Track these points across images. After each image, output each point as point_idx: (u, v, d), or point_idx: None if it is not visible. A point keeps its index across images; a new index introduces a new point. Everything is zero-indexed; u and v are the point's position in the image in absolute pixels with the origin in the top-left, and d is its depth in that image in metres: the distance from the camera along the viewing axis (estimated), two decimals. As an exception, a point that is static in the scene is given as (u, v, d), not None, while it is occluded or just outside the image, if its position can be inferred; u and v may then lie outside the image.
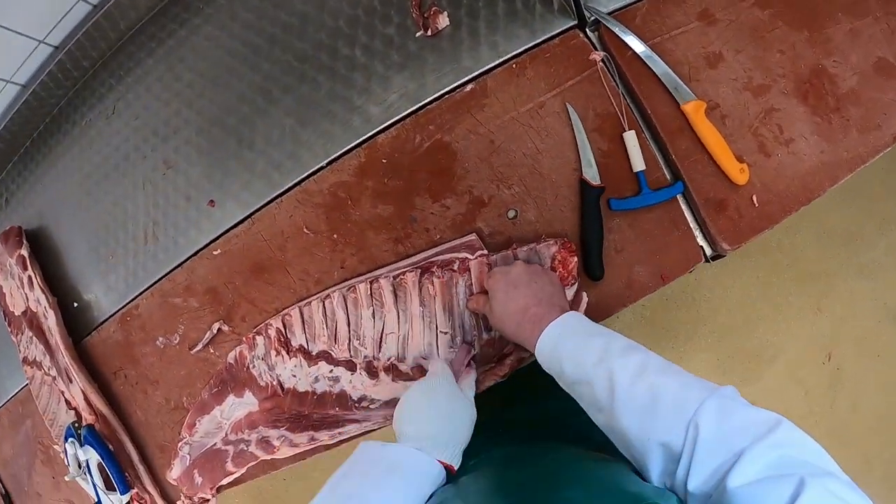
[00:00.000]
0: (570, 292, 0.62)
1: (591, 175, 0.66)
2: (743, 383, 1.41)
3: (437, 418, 0.55)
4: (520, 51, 0.69)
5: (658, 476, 0.44)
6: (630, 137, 0.67)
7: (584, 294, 0.63)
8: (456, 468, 0.54)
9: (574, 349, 0.51)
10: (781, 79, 0.70)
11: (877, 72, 0.70)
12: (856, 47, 0.70)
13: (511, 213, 0.68)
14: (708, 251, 0.70)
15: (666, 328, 1.42)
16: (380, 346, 0.66)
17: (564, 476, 0.48)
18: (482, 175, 0.68)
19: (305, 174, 0.72)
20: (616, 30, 0.69)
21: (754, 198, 0.68)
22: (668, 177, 0.68)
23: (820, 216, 1.35)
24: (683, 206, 0.69)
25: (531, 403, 0.84)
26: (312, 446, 0.71)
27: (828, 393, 1.40)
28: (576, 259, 0.62)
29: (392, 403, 0.65)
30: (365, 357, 0.66)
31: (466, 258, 0.63)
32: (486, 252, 0.64)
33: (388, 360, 0.65)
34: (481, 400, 0.94)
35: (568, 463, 0.54)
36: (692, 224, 0.69)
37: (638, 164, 0.67)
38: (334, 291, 0.67)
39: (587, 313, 0.66)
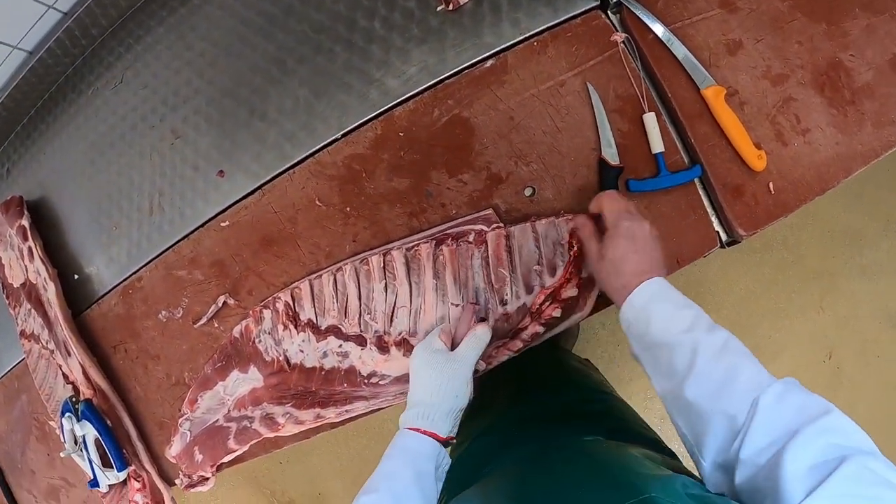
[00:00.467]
0: (586, 270, 0.61)
1: (611, 155, 0.65)
2: None
3: (420, 388, 0.57)
4: (541, 29, 0.68)
5: (716, 448, 0.46)
6: (650, 119, 0.66)
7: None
8: (445, 436, 0.56)
9: (665, 312, 0.53)
10: (799, 69, 0.69)
11: (892, 68, 0.70)
12: (872, 42, 0.70)
13: (528, 191, 0.67)
14: (723, 237, 0.69)
15: None
16: (391, 321, 0.65)
17: (577, 470, 0.50)
18: (500, 151, 0.67)
19: (319, 146, 0.71)
20: (638, 12, 0.68)
21: (771, 185, 0.68)
22: (686, 160, 0.68)
23: (825, 215, 1.36)
24: (700, 191, 0.68)
25: (540, 399, 0.84)
26: (318, 424, 0.69)
27: (827, 392, 1.38)
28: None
29: (403, 379, 0.64)
30: (375, 332, 0.65)
31: (483, 230, 0.62)
32: (501, 224, 0.63)
33: (400, 334, 0.64)
34: (490, 398, 0.94)
35: (581, 459, 0.54)
36: (708, 209, 0.68)
37: (657, 145, 0.66)
38: (346, 264, 0.66)
39: (602, 293, 0.65)
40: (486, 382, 1.04)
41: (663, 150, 0.66)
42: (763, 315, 1.39)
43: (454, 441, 0.58)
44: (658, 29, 0.68)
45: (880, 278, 1.37)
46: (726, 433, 0.45)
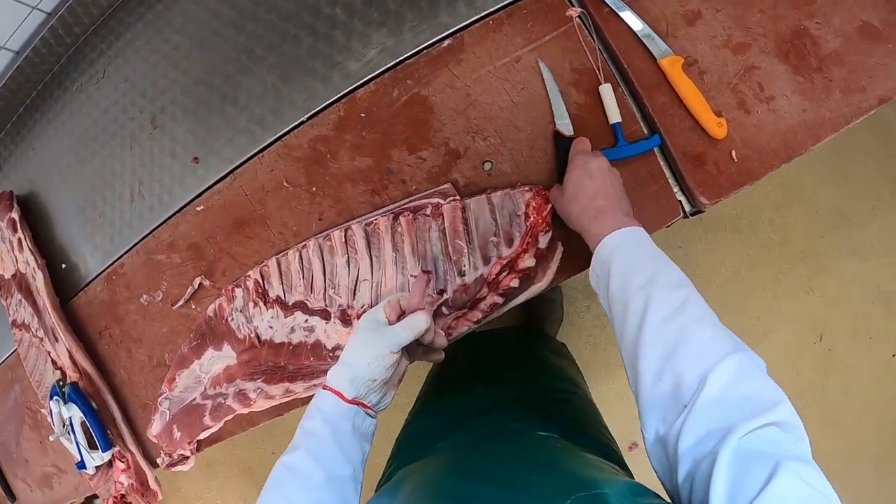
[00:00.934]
0: (544, 240, 0.62)
1: (564, 126, 0.67)
2: None
3: (347, 349, 0.56)
4: (497, 7, 0.70)
5: (656, 421, 0.43)
6: (606, 90, 0.67)
7: (559, 244, 0.64)
8: (350, 398, 0.54)
9: (626, 265, 0.50)
10: (762, 38, 0.70)
11: (861, 35, 0.70)
12: (839, 10, 0.70)
13: (487, 165, 0.68)
14: (686, 206, 0.70)
15: None
16: (354, 295, 0.66)
17: (531, 459, 0.49)
18: (458, 127, 0.69)
19: (287, 129, 0.73)
20: (592, -14, 0.69)
21: (733, 153, 0.68)
22: (645, 131, 0.68)
23: (812, 195, 1.34)
24: (661, 160, 0.69)
25: (507, 387, 0.84)
26: (288, 399, 0.71)
27: (819, 374, 1.38)
28: (550, 206, 0.62)
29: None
30: (339, 306, 0.67)
31: (439, 203, 0.63)
32: (458, 197, 0.64)
33: (362, 307, 0.65)
34: (459, 379, 0.95)
35: (535, 448, 0.54)
36: (669, 178, 0.69)
37: (614, 116, 0.67)
38: (310, 240, 0.68)
39: (563, 264, 0.66)
40: (461, 363, 1.05)
41: (620, 120, 0.67)
42: (750, 296, 1.37)
43: (372, 411, 0.56)
44: (613, 2, 0.69)
45: (870, 258, 1.35)
46: (667, 408, 0.42)
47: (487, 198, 0.63)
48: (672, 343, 0.44)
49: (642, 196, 0.68)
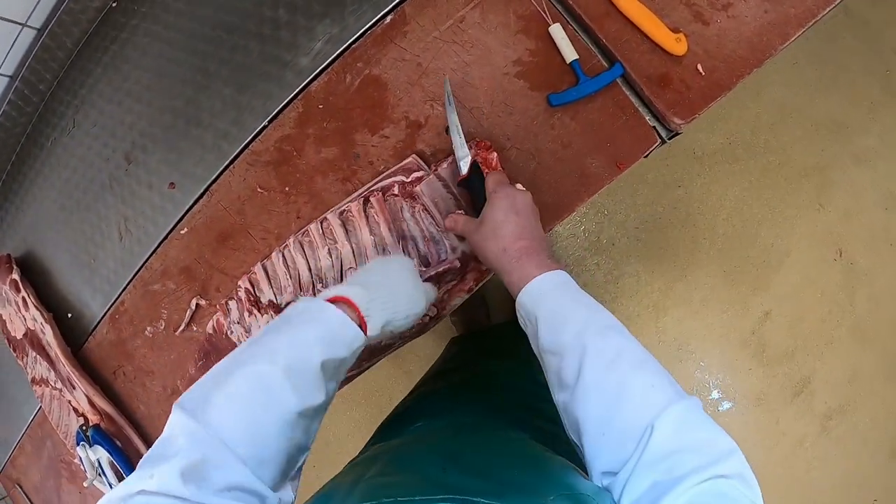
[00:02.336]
0: None
1: (465, 163, 0.62)
2: (753, 293, 1.36)
3: (390, 292, 0.53)
4: (432, -27, 0.69)
5: (600, 472, 0.42)
6: (556, 30, 0.66)
7: (519, 185, 0.63)
8: (380, 329, 0.51)
9: (554, 313, 0.48)
10: (704, -58, 0.68)
11: (812, -81, 0.68)
12: None
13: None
14: (662, 132, 0.68)
15: (664, 248, 1.37)
16: (342, 282, 0.66)
17: (506, 451, 0.48)
18: (415, 99, 0.68)
19: (250, 136, 0.74)
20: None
21: (699, 67, 0.66)
22: (604, 63, 0.67)
23: (804, 109, 1.30)
24: (626, 90, 0.67)
25: (491, 385, 0.83)
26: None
27: (845, 291, 1.33)
28: (496, 154, 0.61)
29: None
30: (330, 296, 0.67)
31: (403, 181, 0.63)
32: (423, 171, 0.64)
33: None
34: (439, 376, 0.94)
35: (512, 441, 0.53)
36: (639, 106, 0.67)
37: (569, 54, 0.66)
38: (290, 239, 0.68)
39: (539, 207, 0.65)
40: (457, 359, 1.04)
41: (577, 57, 0.66)
42: (760, 223, 1.33)
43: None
44: (546, -58, 0.68)
45: (877, 163, 1.31)
46: (613, 459, 0.40)
47: (436, 175, 0.63)
48: (613, 395, 0.42)
49: (614, 129, 0.67)
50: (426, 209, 0.63)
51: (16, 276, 0.91)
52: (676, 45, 0.65)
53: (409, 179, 0.63)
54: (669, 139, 0.69)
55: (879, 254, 1.31)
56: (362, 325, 0.50)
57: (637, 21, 0.66)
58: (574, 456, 0.53)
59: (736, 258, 1.34)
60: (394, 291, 0.53)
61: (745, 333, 1.36)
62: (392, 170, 0.65)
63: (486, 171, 0.61)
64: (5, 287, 0.92)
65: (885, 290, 1.32)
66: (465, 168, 0.60)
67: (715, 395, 1.40)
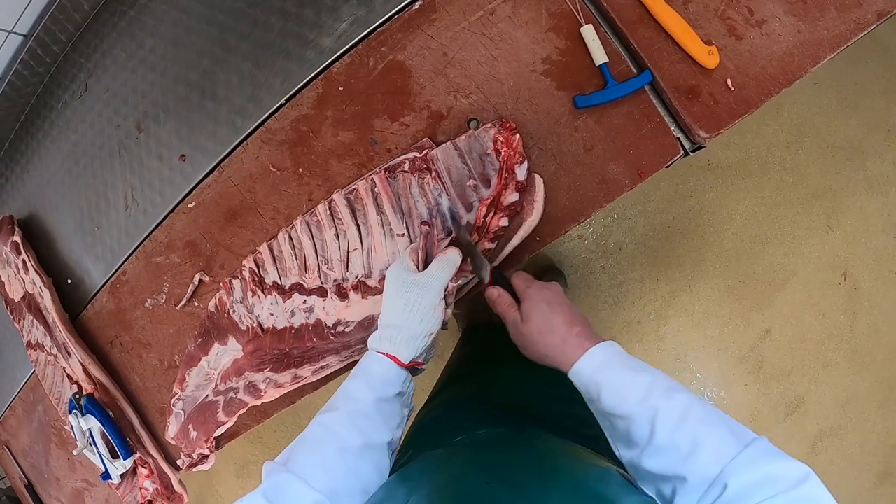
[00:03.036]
0: (521, 172, 0.60)
1: (485, 273, 0.62)
2: (756, 309, 1.36)
3: (388, 309, 0.56)
4: (465, -39, 0.68)
5: None
6: (588, 31, 0.65)
7: (537, 175, 0.62)
8: (407, 361, 0.55)
9: (617, 380, 0.51)
10: (745, -40, 0.67)
11: (852, -52, 0.67)
12: (826, -77, 0.67)
13: (472, 123, 0.66)
14: (686, 143, 0.67)
15: (671, 257, 1.38)
16: (347, 266, 0.65)
17: (547, 466, 0.49)
18: (438, 88, 0.67)
19: (267, 114, 0.72)
20: (562, -71, 0.67)
21: (729, 82, 0.65)
22: (633, 69, 0.66)
23: (822, 130, 1.29)
24: (653, 98, 0.66)
25: (521, 388, 0.83)
26: (297, 385, 0.70)
27: (846, 315, 1.33)
28: (518, 136, 0.60)
29: (365, 324, 0.64)
30: (334, 281, 0.66)
31: (415, 157, 0.62)
32: (431, 146, 0.63)
33: (356, 278, 0.64)
34: (469, 376, 0.94)
35: (552, 454, 0.54)
36: (664, 115, 0.66)
37: (599, 56, 0.64)
38: (297, 219, 0.67)
39: (555, 209, 0.64)
40: (480, 354, 1.04)
41: (607, 60, 0.64)
42: (768, 240, 1.32)
43: (423, 367, 0.57)
44: (586, -57, 0.67)
45: (889, 190, 1.30)
46: (686, 499, 0.43)
47: (453, 143, 0.62)
48: (688, 451, 0.44)
49: (638, 136, 0.65)
50: (438, 175, 0.62)
51: (17, 238, 0.89)
52: (708, 57, 0.64)
53: (421, 154, 0.62)
54: (693, 152, 0.68)
55: (884, 281, 1.31)
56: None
57: (670, 29, 0.64)
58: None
59: (741, 273, 1.33)
60: (414, 331, 0.56)
61: (745, 349, 1.36)
62: (406, 149, 0.64)
63: (505, 149, 0.60)
64: (6, 248, 0.91)
65: (887, 317, 1.32)
66: (486, 276, 0.61)
67: None
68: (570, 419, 0.71)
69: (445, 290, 0.57)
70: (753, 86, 0.65)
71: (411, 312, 0.55)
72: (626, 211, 1.37)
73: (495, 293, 0.60)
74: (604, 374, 0.51)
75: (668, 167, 0.68)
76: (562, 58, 0.66)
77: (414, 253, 0.58)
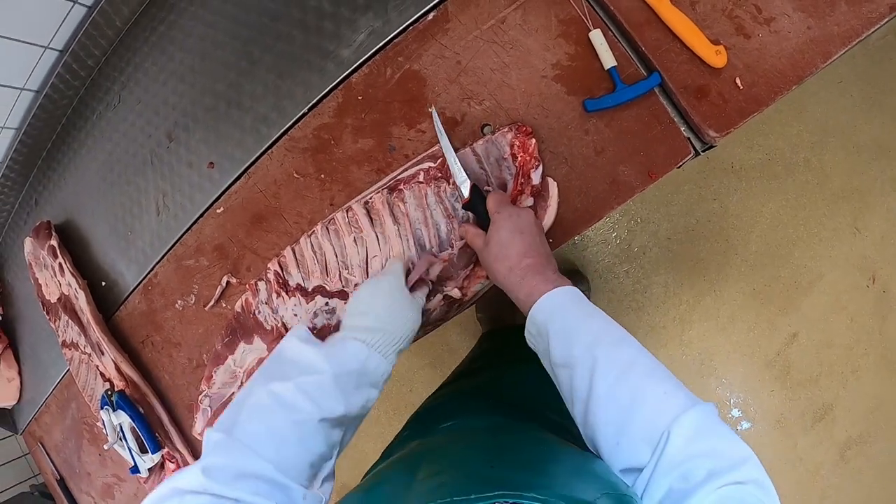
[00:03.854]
0: (536, 176, 0.61)
1: (464, 186, 0.63)
2: (782, 313, 1.33)
3: (375, 312, 0.56)
4: (477, -27, 0.70)
5: (618, 481, 0.43)
6: (596, 36, 0.66)
7: (551, 180, 0.63)
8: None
9: (565, 327, 0.49)
10: (750, -43, 0.67)
11: (861, -62, 0.67)
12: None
13: (486, 129, 0.68)
14: (696, 144, 0.68)
15: (695, 261, 1.36)
16: (367, 271, 0.67)
17: (545, 450, 0.48)
18: (453, 96, 0.69)
19: (290, 123, 0.75)
20: (571, -63, 0.69)
21: (738, 80, 0.65)
22: (642, 72, 0.67)
23: (846, 130, 1.26)
24: (662, 99, 0.67)
25: (525, 385, 0.83)
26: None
27: (875, 319, 1.29)
28: (534, 141, 0.62)
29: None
30: (355, 285, 0.68)
31: (430, 167, 0.64)
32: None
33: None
34: (476, 371, 0.95)
35: (548, 441, 0.54)
36: (674, 116, 0.67)
37: (608, 60, 0.66)
38: (318, 226, 0.70)
39: (568, 211, 0.65)
40: (491, 354, 1.05)
41: (616, 64, 0.66)
42: (794, 243, 1.30)
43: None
44: (593, -51, 0.68)
45: (917, 190, 1.27)
46: (629, 466, 0.42)
47: (471, 149, 0.63)
48: (626, 404, 0.43)
49: (648, 138, 0.66)
50: (455, 181, 0.63)
51: (54, 242, 0.94)
52: (716, 57, 0.64)
53: (436, 164, 0.64)
54: (703, 151, 0.69)
55: (913, 283, 1.28)
56: None
57: (678, 31, 0.65)
58: None
59: (767, 276, 1.31)
60: (388, 329, 0.55)
61: (771, 354, 1.34)
62: (419, 157, 0.66)
63: (521, 154, 0.62)
64: (43, 252, 0.96)
65: (917, 320, 1.29)
66: (465, 191, 0.61)
67: (735, 413, 1.38)
68: (571, 420, 0.71)
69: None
70: (763, 84, 0.65)
71: (399, 322, 0.55)
72: (649, 215, 1.36)
73: (464, 228, 0.60)
74: (554, 319, 0.49)
75: (679, 168, 0.69)
76: (572, 63, 0.67)
77: (417, 272, 0.60)
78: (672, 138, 0.66)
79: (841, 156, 1.27)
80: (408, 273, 0.60)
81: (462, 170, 0.62)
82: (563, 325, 0.49)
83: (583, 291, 1.40)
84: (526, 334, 0.54)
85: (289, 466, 0.46)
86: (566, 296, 0.51)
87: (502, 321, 1.25)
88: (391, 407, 1.61)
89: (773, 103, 0.66)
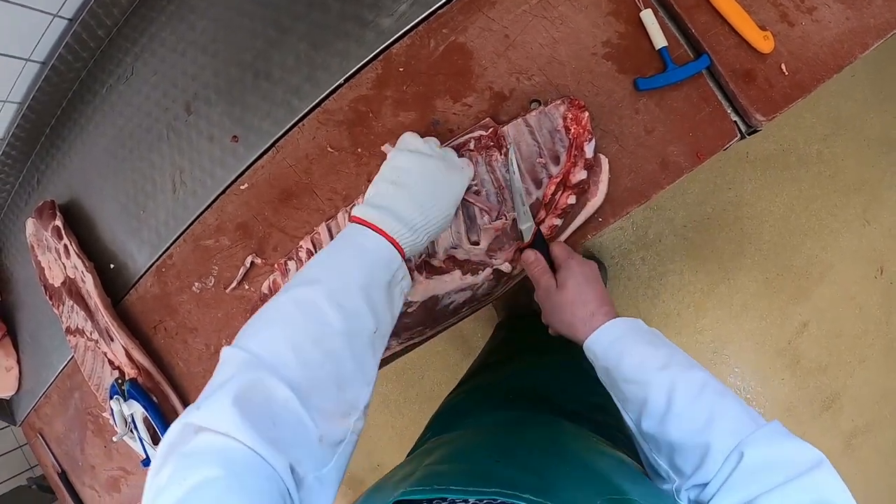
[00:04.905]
0: (589, 149, 0.60)
1: (526, 230, 0.62)
2: (793, 302, 1.36)
3: (411, 190, 0.53)
4: (527, -56, 0.68)
5: (691, 485, 0.45)
6: (647, 15, 0.65)
7: (602, 155, 0.62)
8: (406, 251, 0.51)
9: (637, 349, 0.52)
10: (797, -52, 0.67)
11: (899, -65, 0.68)
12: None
13: (534, 105, 0.66)
14: (742, 126, 0.67)
15: (710, 249, 1.39)
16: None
17: (557, 448, 0.50)
18: (500, 70, 0.67)
19: (324, 94, 0.72)
20: (621, -86, 0.67)
21: (783, 66, 0.66)
22: (690, 54, 0.67)
23: (858, 123, 1.29)
24: (710, 82, 0.67)
25: (541, 373, 0.84)
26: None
27: (882, 310, 1.33)
28: (587, 114, 0.60)
29: (429, 304, 0.64)
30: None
31: (481, 135, 0.62)
32: (493, 126, 0.63)
33: (419, 258, 0.64)
34: (493, 364, 0.94)
35: (563, 437, 0.55)
36: (721, 99, 0.67)
37: (659, 41, 0.65)
38: (358, 199, 0.67)
39: (617, 190, 0.65)
40: (507, 346, 1.04)
41: (667, 44, 0.65)
42: (806, 233, 1.33)
43: (410, 263, 0.55)
44: (645, -73, 0.67)
45: (925, 183, 1.30)
46: (705, 469, 0.44)
47: (524, 120, 0.62)
48: (704, 421, 0.45)
49: (697, 120, 0.66)
50: (508, 151, 0.62)
51: (58, 222, 0.89)
52: (763, 42, 0.65)
53: (487, 133, 0.62)
54: (749, 135, 0.69)
55: (920, 275, 1.31)
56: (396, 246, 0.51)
57: (726, 14, 0.65)
58: (632, 445, 0.56)
59: (779, 266, 1.34)
60: (424, 208, 0.52)
61: (782, 343, 1.36)
62: (469, 129, 0.64)
63: (574, 127, 0.60)
64: (47, 234, 0.90)
65: (923, 312, 1.32)
66: (528, 235, 0.61)
67: (744, 401, 1.39)
68: (586, 406, 0.72)
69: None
70: (806, 70, 0.66)
71: (435, 198, 0.53)
72: (665, 202, 1.37)
73: (532, 256, 0.60)
74: (624, 342, 0.52)
75: (725, 150, 0.69)
76: (622, 41, 0.66)
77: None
78: (719, 120, 0.66)
79: (852, 148, 1.29)
80: None
81: (529, 213, 0.61)
82: (636, 346, 0.52)
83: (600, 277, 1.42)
84: (585, 349, 0.56)
85: (315, 388, 0.41)
86: (634, 324, 0.55)
87: (519, 307, 1.24)
88: (401, 394, 1.58)
89: (815, 90, 0.67)
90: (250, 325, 0.45)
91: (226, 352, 0.43)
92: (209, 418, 0.37)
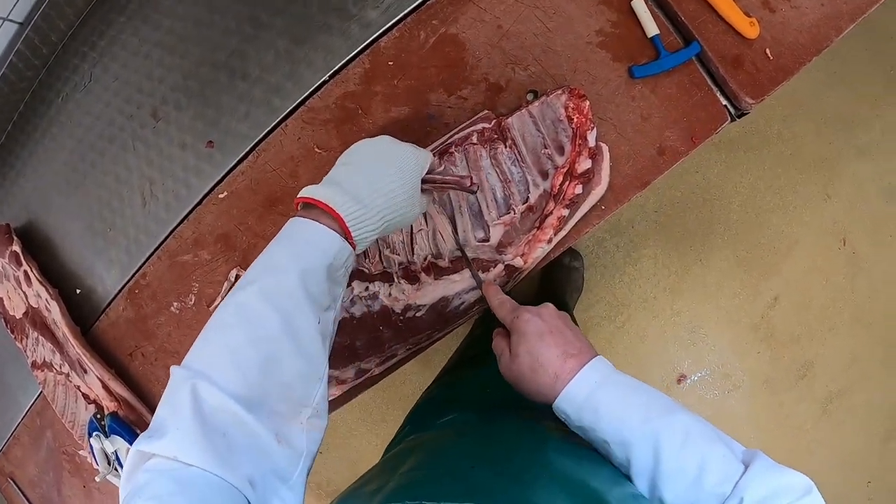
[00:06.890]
0: (592, 138, 0.60)
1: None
2: (764, 278, 1.43)
3: (363, 172, 0.50)
4: (513, -68, 0.66)
5: None
6: (638, 4, 0.66)
7: (604, 145, 0.61)
8: (355, 241, 0.48)
9: (613, 404, 0.47)
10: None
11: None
12: None
13: (530, 95, 0.65)
14: (732, 110, 0.69)
15: (682, 232, 1.43)
16: (412, 249, 0.62)
17: (534, 451, 0.48)
18: (495, 61, 0.65)
19: (308, 92, 0.68)
20: None
21: (768, 51, 0.68)
22: (680, 41, 0.68)
23: (815, 103, 1.37)
24: (700, 68, 0.68)
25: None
26: (360, 379, 0.66)
27: (847, 279, 1.41)
28: (588, 102, 0.60)
29: (438, 307, 0.61)
30: (400, 264, 0.62)
31: (484, 128, 0.60)
32: (493, 118, 0.62)
33: (425, 259, 0.61)
34: (470, 358, 0.93)
35: (540, 440, 0.52)
36: (711, 84, 0.68)
37: (651, 28, 0.66)
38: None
39: (617, 177, 0.64)
40: (484, 340, 1.03)
41: (659, 32, 0.66)
42: (772, 211, 1.40)
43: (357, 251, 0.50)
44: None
45: (878, 156, 1.39)
46: None
47: (527, 111, 0.61)
48: (695, 473, 0.44)
49: (689, 105, 0.67)
50: (514, 143, 0.60)
51: (17, 247, 0.81)
52: (750, 28, 0.67)
53: (491, 125, 0.60)
54: (738, 118, 0.71)
55: (880, 244, 1.40)
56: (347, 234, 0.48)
57: (714, 2, 0.67)
58: None
59: (748, 243, 1.39)
60: (372, 178, 0.50)
61: (756, 318, 1.42)
62: (468, 122, 0.62)
63: (576, 116, 0.60)
64: (3, 260, 0.82)
65: (884, 279, 1.41)
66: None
67: (724, 377, 1.46)
68: None
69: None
70: (788, 54, 0.68)
71: (388, 182, 0.50)
72: (635, 188, 1.41)
73: (496, 332, 0.56)
74: (597, 398, 0.47)
75: (717, 133, 0.70)
76: (615, 30, 0.66)
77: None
78: (710, 105, 0.68)
79: (810, 127, 1.36)
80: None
81: (478, 275, 0.60)
82: (610, 400, 0.47)
83: (577, 267, 1.43)
84: (555, 409, 0.50)
85: (254, 400, 0.39)
86: (601, 368, 0.49)
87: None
88: (384, 401, 1.55)
89: (798, 72, 0.70)
90: (197, 340, 0.44)
91: (172, 371, 0.42)
92: (158, 444, 0.36)
